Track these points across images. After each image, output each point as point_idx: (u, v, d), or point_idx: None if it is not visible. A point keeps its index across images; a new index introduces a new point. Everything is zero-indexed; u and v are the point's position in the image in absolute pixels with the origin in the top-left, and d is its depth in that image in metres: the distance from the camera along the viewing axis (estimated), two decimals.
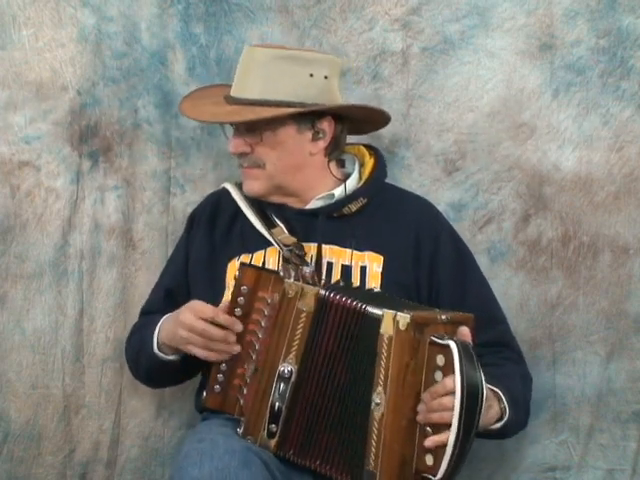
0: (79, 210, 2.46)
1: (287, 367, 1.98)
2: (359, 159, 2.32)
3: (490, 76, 2.47)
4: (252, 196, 2.25)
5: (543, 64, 2.46)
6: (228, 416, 2.08)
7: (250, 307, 2.03)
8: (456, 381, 1.82)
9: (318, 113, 2.19)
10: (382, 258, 2.20)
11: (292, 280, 2.02)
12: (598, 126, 2.46)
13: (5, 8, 2.42)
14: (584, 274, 2.47)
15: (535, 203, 2.47)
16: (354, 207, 2.23)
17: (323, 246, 2.20)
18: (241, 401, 2.04)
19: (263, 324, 2.02)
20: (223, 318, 2.02)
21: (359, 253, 2.20)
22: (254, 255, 2.23)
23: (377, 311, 1.91)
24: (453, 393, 1.83)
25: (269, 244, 2.21)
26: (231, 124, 2.25)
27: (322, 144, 2.22)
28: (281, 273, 2.05)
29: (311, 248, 2.19)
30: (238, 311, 2.03)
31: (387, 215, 2.26)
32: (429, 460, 1.87)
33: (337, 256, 2.21)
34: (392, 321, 1.88)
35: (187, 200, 2.48)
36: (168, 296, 2.31)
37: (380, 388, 1.89)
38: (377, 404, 1.89)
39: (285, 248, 2.16)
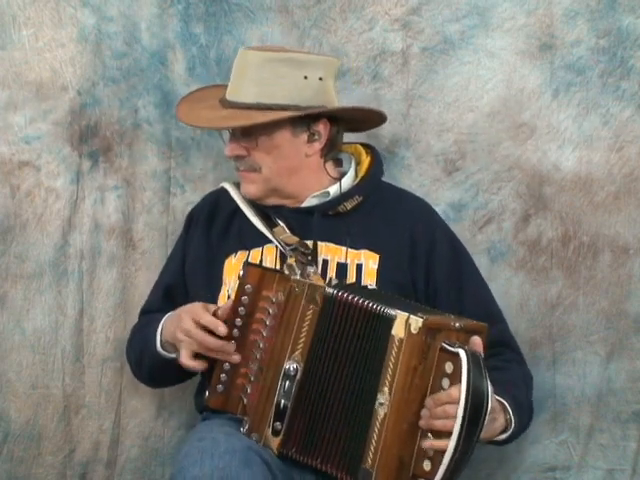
0: (79, 210, 2.46)
1: (292, 365, 1.98)
2: (355, 158, 2.33)
3: (490, 76, 2.47)
4: (249, 198, 2.26)
5: (543, 64, 2.46)
6: (229, 416, 2.08)
7: (254, 306, 2.03)
8: (461, 391, 1.82)
9: (313, 116, 2.19)
10: (378, 256, 2.21)
11: (298, 277, 2.02)
12: (598, 126, 2.46)
13: (5, 8, 2.41)
14: (584, 274, 2.47)
15: (535, 203, 2.47)
16: (349, 205, 2.24)
17: (319, 243, 2.20)
18: (244, 400, 2.04)
19: (268, 323, 2.02)
20: (223, 330, 2.02)
21: (355, 251, 2.20)
22: (251, 252, 2.23)
23: (390, 312, 1.91)
24: (458, 402, 1.82)
25: (267, 241, 2.21)
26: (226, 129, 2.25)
27: (318, 145, 2.22)
28: (286, 272, 2.05)
29: (309, 246, 2.19)
30: (242, 310, 2.03)
31: (383, 213, 2.26)
32: (427, 466, 1.87)
33: (332, 254, 2.20)
34: (404, 323, 1.87)
35: (187, 200, 2.47)
36: (167, 295, 2.32)
37: (386, 389, 1.89)
38: (381, 404, 1.89)
39: (288, 248, 2.16)
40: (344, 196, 2.24)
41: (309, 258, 2.14)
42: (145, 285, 2.44)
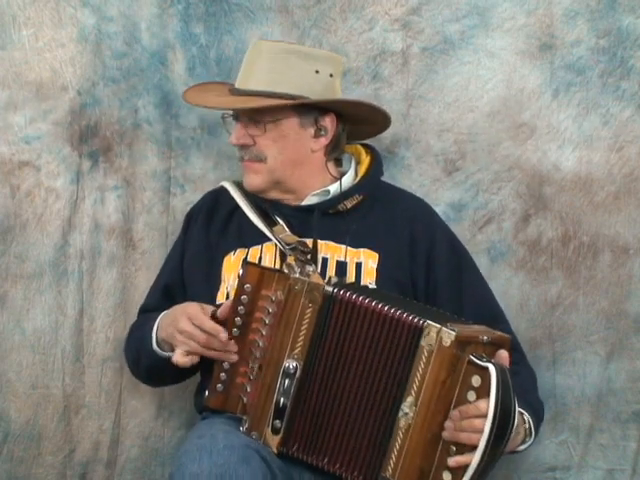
0: (79, 210, 2.46)
1: (292, 363, 1.98)
2: (355, 157, 2.34)
3: (490, 76, 2.47)
4: (252, 191, 2.25)
5: (543, 64, 2.46)
6: (229, 415, 2.07)
7: (253, 305, 2.03)
8: (490, 406, 1.81)
9: (321, 109, 2.20)
10: (377, 255, 2.21)
11: (298, 275, 2.03)
12: (598, 126, 2.46)
13: (5, 8, 2.42)
14: (584, 274, 2.47)
15: (535, 203, 2.47)
16: (349, 204, 2.24)
17: (318, 242, 2.20)
18: (244, 399, 2.03)
19: (267, 322, 2.02)
20: (224, 336, 2.01)
21: (354, 250, 2.21)
22: (250, 250, 2.23)
23: (420, 321, 1.88)
24: (485, 416, 1.81)
25: (266, 239, 2.22)
26: (234, 113, 2.24)
27: (324, 141, 2.23)
28: (285, 270, 2.05)
29: (309, 245, 2.19)
30: (241, 310, 2.02)
31: (383, 213, 2.27)
32: (447, 477, 1.86)
33: (332, 252, 2.21)
34: (436, 335, 1.86)
35: (187, 200, 2.47)
36: (166, 293, 2.32)
37: (411, 399, 1.87)
38: (405, 414, 1.87)
39: (287, 246, 2.16)
40: (344, 195, 2.24)
41: (308, 257, 2.14)
42: (145, 285, 2.44)
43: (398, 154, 2.49)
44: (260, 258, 2.21)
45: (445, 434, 1.86)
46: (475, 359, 1.84)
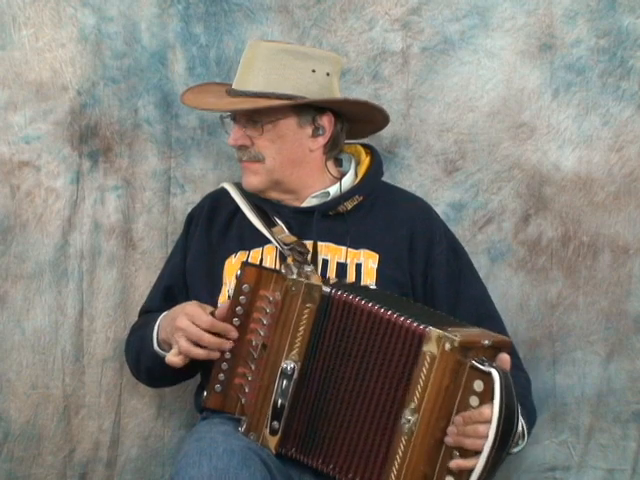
0: (79, 210, 2.46)
1: (290, 364, 1.98)
2: (355, 158, 2.33)
3: (490, 76, 2.47)
4: (251, 191, 2.25)
5: (543, 64, 2.46)
6: (228, 415, 2.07)
7: (252, 306, 2.03)
8: (494, 411, 1.80)
9: (319, 108, 2.20)
10: (377, 256, 2.21)
11: (295, 276, 2.02)
12: (598, 126, 2.46)
13: (5, 8, 2.41)
14: (584, 274, 2.47)
15: (535, 203, 2.47)
16: (349, 205, 2.24)
17: (319, 243, 2.20)
18: (242, 400, 2.03)
19: (265, 322, 2.02)
20: (220, 327, 2.02)
21: (354, 251, 2.21)
22: (251, 252, 2.23)
23: (421, 326, 1.87)
24: (489, 422, 1.81)
25: (267, 242, 2.22)
26: (231, 115, 2.24)
27: (322, 140, 2.23)
28: (283, 271, 2.05)
29: (307, 246, 2.19)
30: (240, 310, 2.03)
31: (382, 213, 2.27)
32: None
33: (332, 253, 2.21)
34: (438, 341, 1.84)
35: (187, 200, 2.48)
36: (167, 295, 2.31)
37: (413, 405, 1.86)
38: (408, 420, 1.86)
39: (286, 247, 2.16)
40: (344, 196, 2.24)
41: (306, 257, 2.14)
42: (145, 285, 2.45)
43: (398, 154, 2.49)
44: (261, 260, 2.21)
45: (448, 440, 1.86)
46: (477, 364, 1.83)
